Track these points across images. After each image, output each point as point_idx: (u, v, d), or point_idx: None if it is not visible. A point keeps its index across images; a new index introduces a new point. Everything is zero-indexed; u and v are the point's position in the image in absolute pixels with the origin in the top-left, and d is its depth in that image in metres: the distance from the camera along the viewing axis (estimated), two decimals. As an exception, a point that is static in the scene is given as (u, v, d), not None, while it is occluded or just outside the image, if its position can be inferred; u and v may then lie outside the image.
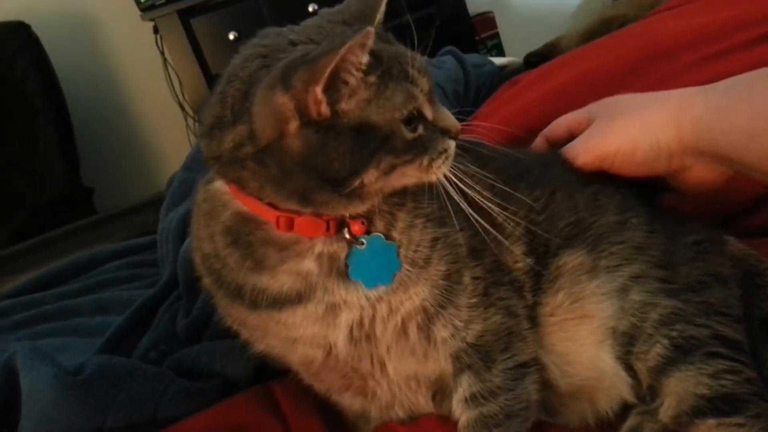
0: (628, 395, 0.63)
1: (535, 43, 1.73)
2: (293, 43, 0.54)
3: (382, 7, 0.58)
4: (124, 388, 0.70)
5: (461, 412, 0.62)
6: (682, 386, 0.58)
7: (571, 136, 0.79)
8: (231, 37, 2.29)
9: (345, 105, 0.50)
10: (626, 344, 0.62)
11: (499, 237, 0.63)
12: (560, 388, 0.65)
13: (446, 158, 0.56)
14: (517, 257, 0.65)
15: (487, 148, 0.67)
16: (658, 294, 0.62)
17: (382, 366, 0.63)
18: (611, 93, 0.96)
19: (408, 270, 0.58)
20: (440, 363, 0.62)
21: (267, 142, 0.51)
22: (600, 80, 1.00)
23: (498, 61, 1.73)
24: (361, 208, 0.56)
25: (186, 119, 2.63)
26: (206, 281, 0.62)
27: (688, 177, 0.71)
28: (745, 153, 0.62)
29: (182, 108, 2.62)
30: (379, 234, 0.58)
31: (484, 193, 0.59)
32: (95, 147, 2.63)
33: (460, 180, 0.57)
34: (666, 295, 0.62)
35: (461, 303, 0.60)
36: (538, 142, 0.85)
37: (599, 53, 1.12)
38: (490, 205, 0.59)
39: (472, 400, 0.61)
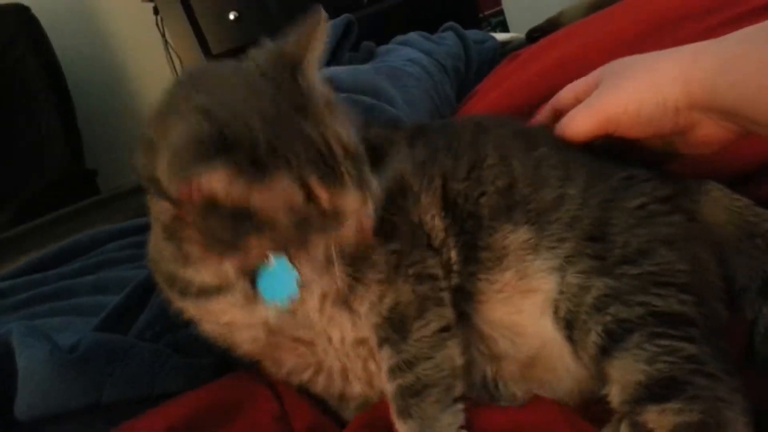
0: (574, 365, 0.62)
1: (541, 20, 1.70)
2: (205, 113, 0.53)
3: (313, 57, 0.57)
4: (120, 365, 0.71)
5: (386, 384, 0.62)
6: (621, 374, 0.56)
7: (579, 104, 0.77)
8: (231, 17, 2.27)
9: (221, 195, 0.51)
10: (567, 330, 0.61)
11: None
12: (514, 359, 0.65)
13: (341, 239, 0.57)
14: (435, 222, 0.66)
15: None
16: (591, 274, 0.61)
17: (328, 337, 0.64)
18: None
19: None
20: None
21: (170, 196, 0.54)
22: (602, 51, 0.98)
23: (500, 37, 1.71)
24: (257, 253, 0.58)
25: (188, 100, 2.62)
26: (155, 273, 0.66)
27: (694, 136, 0.68)
28: (754, 107, 0.59)
29: (184, 89, 2.60)
30: (284, 257, 0.59)
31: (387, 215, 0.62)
32: (98, 129, 2.63)
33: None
34: (599, 273, 0.60)
35: (370, 280, 0.61)
36: (545, 112, 0.83)
37: (601, 25, 1.10)
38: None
39: (391, 372, 0.62)
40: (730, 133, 0.66)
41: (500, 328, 0.65)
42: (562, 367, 0.63)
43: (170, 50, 2.53)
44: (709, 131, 0.67)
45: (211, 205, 0.52)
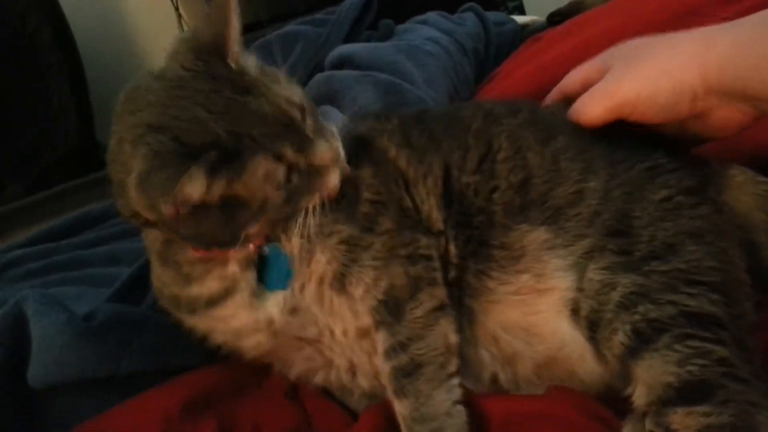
0: (596, 366, 0.60)
1: (558, 4, 1.68)
2: (155, 129, 0.53)
3: (234, 34, 0.56)
4: (138, 336, 0.71)
5: (381, 367, 0.62)
6: (649, 374, 0.55)
7: (587, 88, 0.75)
8: (246, -8, 2.25)
9: (206, 198, 0.51)
10: (591, 329, 0.59)
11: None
12: (530, 360, 0.64)
13: (327, 191, 0.59)
14: (433, 213, 0.66)
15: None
16: (616, 270, 0.59)
17: (331, 331, 0.64)
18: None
19: (305, 244, 0.61)
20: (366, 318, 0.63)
21: (154, 221, 0.55)
22: (625, 36, 0.97)
23: (520, 19, 1.68)
24: (256, 242, 0.60)
25: (200, 76, 2.61)
26: (161, 299, 0.67)
27: (711, 120, 0.66)
28: None
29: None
30: (276, 244, 0.61)
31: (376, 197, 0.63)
32: (109, 102, 2.61)
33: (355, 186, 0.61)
34: (625, 269, 0.58)
35: (365, 262, 0.61)
36: (553, 96, 0.81)
37: (625, 10, 1.08)
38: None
39: (386, 354, 0.61)
40: (747, 116, 0.65)
41: (514, 330, 0.63)
42: (583, 369, 0.62)
43: (184, 25, 2.51)
44: (726, 114, 0.65)
45: (201, 210, 0.52)
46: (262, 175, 0.53)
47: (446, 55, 1.25)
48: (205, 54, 0.56)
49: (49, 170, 2.14)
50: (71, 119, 2.29)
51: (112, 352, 0.69)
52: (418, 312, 0.61)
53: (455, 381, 0.61)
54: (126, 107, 0.57)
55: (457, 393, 0.61)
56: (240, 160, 0.52)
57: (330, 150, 0.58)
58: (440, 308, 0.62)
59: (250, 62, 0.58)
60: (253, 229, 0.57)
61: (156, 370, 0.71)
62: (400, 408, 0.61)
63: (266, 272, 0.62)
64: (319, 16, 1.43)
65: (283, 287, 0.62)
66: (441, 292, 0.63)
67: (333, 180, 0.59)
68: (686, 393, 0.53)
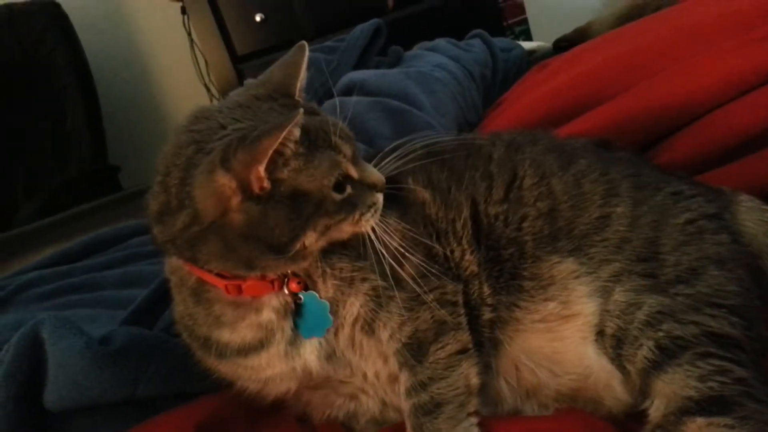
0: (623, 393, 0.61)
1: (564, 30, 1.69)
2: (222, 126, 0.57)
3: (302, 76, 0.63)
4: (156, 360, 0.71)
5: (403, 404, 0.63)
6: (670, 388, 0.56)
7: None
8: (258, 18, 2.28)
9: (281, 175, 0.54)
10: (616, 347, 0.60)
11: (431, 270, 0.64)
12: (553, 389, 0.64)
13: (375, 211, 0.60)
14: (465, 257, 0.66)
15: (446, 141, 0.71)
16: (643, 292, 0.60)
17: (364, 374, 0.65)
18: (644, 77, 0.94)
19: (342, 287, 0.62)
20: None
21: (211, 220, 0.55)
22: (632, 64, 0.98)
23: (526, 45, 1.71)
24: (303, 264, 0.60)
25: (211, 100, 2.64)
26: (184, 336, 0.66)
27: None
28: None
29: (207, 89, 2.62)
30: (313, 292, 0.62)
31: (404, 243, 0.63)
32: (121, 126, 2.65)
33: (385, 231, 0.61)
34: (651, 291, 0.60)
35: (392, 308, 0.62)
36: None
37: (632, 37, 1.10)
38: (408, 255, 0.62)
39: (407, 393, 0.62)
40: None
41: (538, 357, 0.64)
42: (610, 397, 0.62)
43: (196, 50, 2.55)
44: None
45: (271, 196, 0.54)
46: (327, 166, 0.56)
47: (454, 81, 1.27)
48: (273, 90, 0.62)
49: (62, 192, 2.16)
50: (84, 142, 2.32)
51: (129, 376, 0.69)
52: (441, 354, 0.62)
53: (474, 420, 0.62)
54: (188, 121, 0.60)
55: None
56: (317, 144, 0.56)
57: (377, 172, 0.62)
58: (463, 351, 0.63)
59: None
60: (311, 237, 0.57)
61: (174, 394, 0.72)
62: None
63: (302, 320, 0.62)
64: (329, 43, 1.45)
65: (320, 334, 0.62)
66: (465, 337, 0.63)
67: (379, 200, 0.61)
68: (706, 406, 0.54)
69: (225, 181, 0.52)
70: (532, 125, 0.97)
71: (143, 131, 2.73)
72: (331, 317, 0.62)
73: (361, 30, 1.39)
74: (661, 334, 0.58)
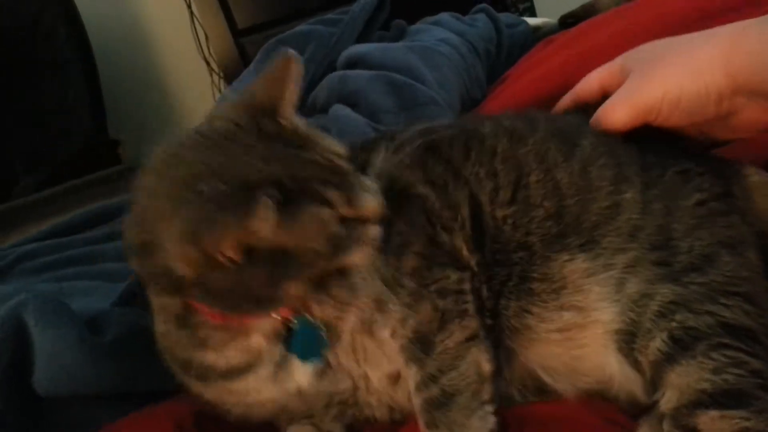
0: (641, 394, 0.59)
1: (569, 6, 1.67)
2: (195, 177, 0.50)
3: (290, 94, 0.55)
4: (156, 355, 0.66)
5: (414, 400, 0.61)
6: (682, 380, 0.55)
7: (604, 93, 0.73)
8: (259, -9, 2.26)
9: (254, 244, 0.48)
10: (628, 341, 0.59)
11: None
12: (571, 394, 0.62)
13: (370, 245, 0.55)
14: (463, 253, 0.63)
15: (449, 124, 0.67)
16: (655, 281, 0.59)
17: (367, 379, 0.62)
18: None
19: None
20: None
21: (189, 278, 0.50)
22: (640, 39, 0.96)
23: (532, 21, 1.68)
24: (282, 314, 0.57)
25: (211, 74, 2.62)
26: (166, 357, 0.63)
27: (738, 120, 0.65)
28: None
29: (208, 63, 2.61)
30: (306, 317, 0.58)
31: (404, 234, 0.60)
32: (122, 100, 2.63)
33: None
34: (664, 280, 0.58)
35: (394, 306, 0.60)
36: (566, 101, 0.79)
37: (641, 11, 1.08)
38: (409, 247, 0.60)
39: (417, 388, 0.60)
40: None
41: (557, 367, 0.62)
42: (629, 401, 0.61)
43: (196, 23, 2.52)
44: (753, 114, 0.64)
45: (247, 263, 0.48)
46: (316, 222, 0.50)
47: (458, 56, 1.26)
48: (258, 113, 0.55)
49: (62, 166, 2.15)
50: (84, 116, 2.31)
51: (129, 372, 0.67)
52: (449, 343, 0.60)
53: (489, 409, 0.60)
54: (163, 162, 0.54)
55: (491, 421, 0.59)
56: (297, 202, 0.49)
57: (376, 204, 0.55)
58: (472, 338, 0.60)
59: (301, 122, 0.56)
60: (297, 287, 0.52)
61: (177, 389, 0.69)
62: None
63: (295, 345, 0.59)
64: (331, 15, 1.43)
65: (318, 358, 0.59)
66: (472, 323, 0.61)
67: (374, 233, 0.55)
68: (721, 399, 0.53)
69: (192, 252, 0.48)
70: (537, 102, 0.96)
71: (143, 106, 2.72)
72: (326, 340, 0.59)
73: (364, 3, 1.36)
74: (674, 324, 0.56)
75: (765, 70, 0.59)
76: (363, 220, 0.54)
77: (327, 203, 0.51)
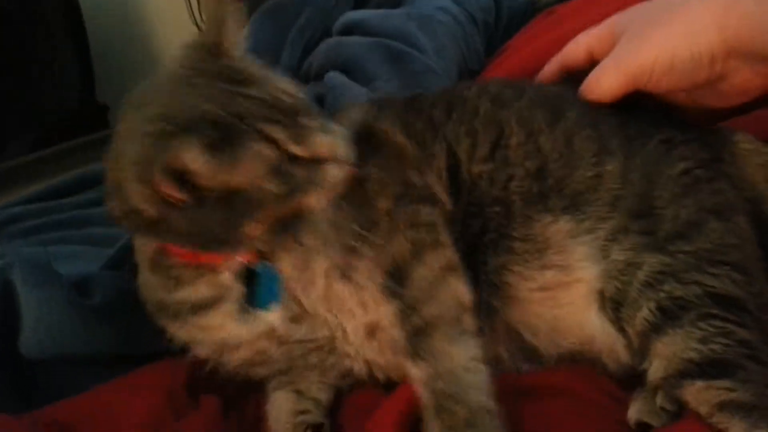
0: (626, 356, 0.60)
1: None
2: (151, 119, 0.52)
3: (231, 34, 0.57)
4: (146, 317, 0.67)
5: (398, 338, 0.60)
6: (669, 350, 0.55)
7: (591, 58, 0.72)
8: (253, -44, 2.21)
9: (200, 183, 0.50)
10: (615, 309, 0.59)
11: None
12: (554, 353, 0.63)
13: (331, 186, 0.56)
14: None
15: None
16: (641, 250, 0.59)
17: (343, 330, 0.62)
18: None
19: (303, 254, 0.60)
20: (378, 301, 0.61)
21: (149, 218, 0.53)
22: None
23: (532, -7, 1.65)
24: (252, 248, 0.58)
25: (203, 41, 2.58)
26: (147, 306, 0.64)
27: (728, 84, 0.64)
28: None
29: (199, 29, 2.56)
30: (266, 262, 0.60)
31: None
32: (110, 65, 2.59)
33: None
34: (651, 249, 0.59)
35: (368, 251, 0.60)
36: (552, 68, 0.78)
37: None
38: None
39: (398, 321, 0.60)
40: (767, 79, 0.62)
41: (538, 325, 0.62)
42: (612, 362, 0.61)
43: (189, -12, 2.48)
44: (745, 79, 0.63)
45: (197, 201, 0.51)
46: (257, 160, 0.52)
47: (457, 25, 1.23)
48: (204, 53, 0.57)
49: (50, 130, 2.13)
50: (72, 79, 2.28)
51: (117, 334, 0.67)
52: (424, 272, 0.60)
53: (472, 338, 0.59)
54: (129, 105, 0.57)
55: (475, 350, 0.59)
56: (236, 142, 0.51)
57: (329, 142, 0.56)
58: (448, 269, 0.60)
59: (249, 61, 0.58)
60: (256, 229, 0.54)
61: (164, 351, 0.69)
62: (418, 373, 0.58)
63: (257, 290, 0.60)
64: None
65: (277, 303, 0.60)
66: (449, 253, 0.61)
67: (333, 173, 0.56)
68: (707, 368, 0.53)
69: (145, 191, 0.50)
70: (536, 74, 0.94)
71: (133, 71, 2.67)
72: (281, 292, 0.60)
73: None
74: (662, 294, 0.57)
75: (760, 32, 0.58)
76: (320, 161, 0.55)
77: (271, 141, 0.52)
